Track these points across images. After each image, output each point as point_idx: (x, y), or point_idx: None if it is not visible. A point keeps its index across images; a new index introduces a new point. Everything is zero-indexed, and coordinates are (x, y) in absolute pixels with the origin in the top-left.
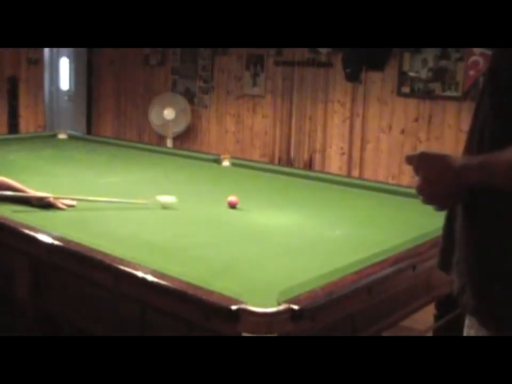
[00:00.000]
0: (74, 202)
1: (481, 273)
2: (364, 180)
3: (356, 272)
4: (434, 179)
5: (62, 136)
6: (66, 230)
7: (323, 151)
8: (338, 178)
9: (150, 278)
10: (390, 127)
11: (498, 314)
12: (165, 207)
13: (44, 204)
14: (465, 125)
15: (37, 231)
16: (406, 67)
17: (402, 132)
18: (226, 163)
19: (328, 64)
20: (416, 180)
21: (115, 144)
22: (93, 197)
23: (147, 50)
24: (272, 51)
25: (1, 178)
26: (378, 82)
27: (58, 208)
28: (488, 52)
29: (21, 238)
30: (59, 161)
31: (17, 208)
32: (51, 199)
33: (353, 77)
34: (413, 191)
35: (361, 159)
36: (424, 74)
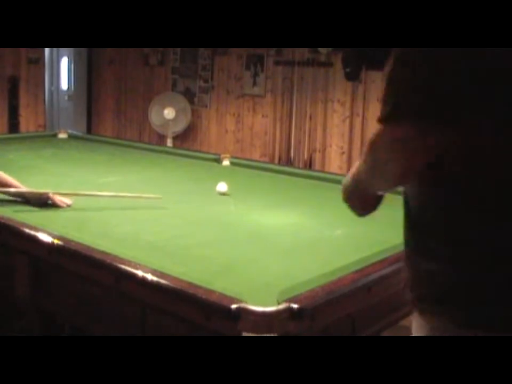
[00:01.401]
0: (71, 202)
1: (410, 270)
2: None
3: (355, 272)
4: None
5: (62, 135)
6: (66, 230)
7: (323, 150)
8: (338, 178)
9: (150, 277)
10: None
11: (424, 307)
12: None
13: (43, 202)
14: None
15: (37, 230)
16: None
17: None
18: (226, 162)
19: (328, 64)
20: None
21: (115, 143)
22: (94, 192)
23: (147, 50)
24: (272, 51)
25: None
26: (378, 81)
27: (57, 206)
28: None
29: (21, 237)
30: (59, 160)
31: (17, 208)
32: (50, 194)
33: (353, 76)
34: None
35: None
36: None
